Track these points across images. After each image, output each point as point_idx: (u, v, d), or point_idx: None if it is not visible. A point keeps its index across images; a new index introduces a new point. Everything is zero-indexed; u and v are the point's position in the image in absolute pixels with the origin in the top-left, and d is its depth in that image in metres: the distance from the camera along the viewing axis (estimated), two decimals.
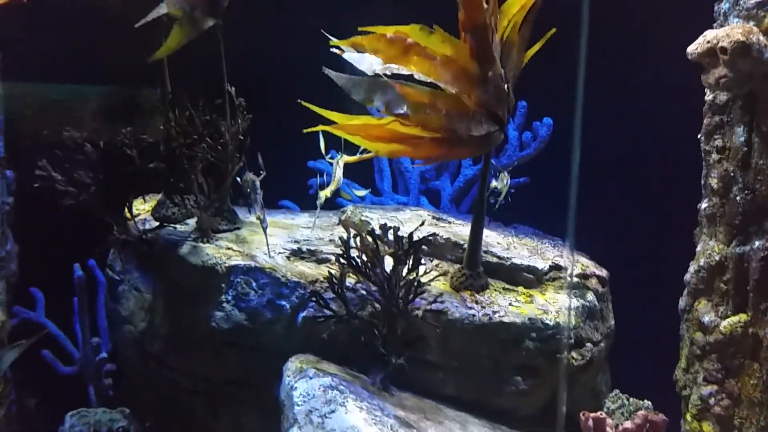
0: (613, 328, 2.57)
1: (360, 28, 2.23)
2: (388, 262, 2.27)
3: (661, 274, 3.03)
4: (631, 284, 2.73)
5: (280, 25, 3.34)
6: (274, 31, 3.35)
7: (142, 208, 2.74)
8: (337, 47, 2.18)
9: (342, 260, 2.28)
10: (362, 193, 2.98)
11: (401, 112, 2.14)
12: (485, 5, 2.12)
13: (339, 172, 2.60)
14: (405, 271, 2.25)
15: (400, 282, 2.24)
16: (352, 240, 2.31)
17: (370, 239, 2.29)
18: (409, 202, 3.25)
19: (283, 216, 2.94)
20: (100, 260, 2.97)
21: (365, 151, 2.52)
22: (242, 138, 2.51)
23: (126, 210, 2.50)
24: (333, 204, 3.06)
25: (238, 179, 2.48)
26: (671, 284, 2.53)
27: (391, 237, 2.29)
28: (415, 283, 2.19)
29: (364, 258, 2.28)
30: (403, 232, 2.26)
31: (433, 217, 2.85)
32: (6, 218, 2.74)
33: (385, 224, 2.34)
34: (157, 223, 2.63)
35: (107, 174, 2.41)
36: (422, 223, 2.38)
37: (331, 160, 2.61)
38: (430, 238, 2.38)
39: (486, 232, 2.78)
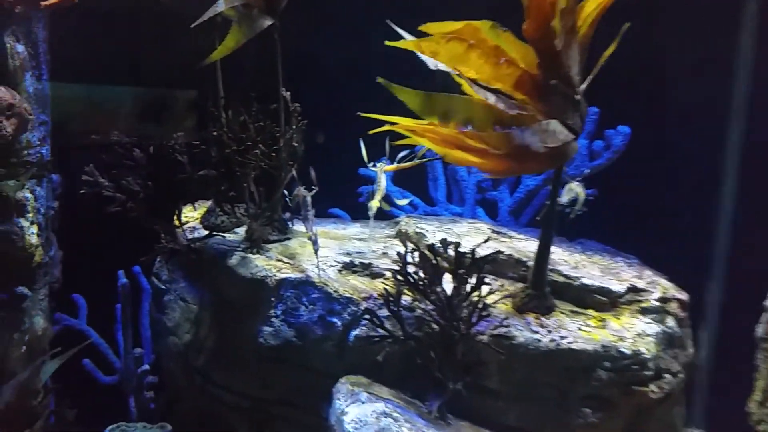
0: (692, 357, 2.35)
1: (422, 28, 2.10)
2: (447, 280, 2.11)
3: (734, 297, 2.81)
4: (700, 307, 2.50)
5: (334, 28, 3.23)
6: (327, 33, 3.24)
7: (191, 215, 2.64)
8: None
9: (398, 276, 2.13)
10: (403, 202, 2.80)
11: (465, 128, 1.99)
12: (553, 9, 1.95)
13: (382, 181, 2.45)
14: (466, 290, 2.08)
15: (462, 302, 2.08)
16: (409, 255, 2.16)
17: (428, 254, 2.13)
18: (465, 213, 3.08)
19: (333, 226, 2.80)
20: (145, 268, 2.90)
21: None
22: (296, 145, 2.38)
23: (175, 218, 2.39)
24: (386, 214, 2.91)
25: (286, 192, 2.35)
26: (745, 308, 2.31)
27: (451, 253, 2.13)
28: (480, 305, 2.02)
29: (422, 275, 2.13)
30: (465, 247, 2.10)
31: (492, 231, 2.67)
32: (50, 223, 2.68)
33: (445, 239, 2.18)
34: (206, 232, 2.52)
35: (156, 180, 2.30)
36: (487, 240, 2.21)
37: (374, 169, 2.46)
38: (494, 255, 2.20)
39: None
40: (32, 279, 2.58)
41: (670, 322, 2.26)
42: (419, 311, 2.17)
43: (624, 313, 2.29)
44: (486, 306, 2.04)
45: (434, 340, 2.11)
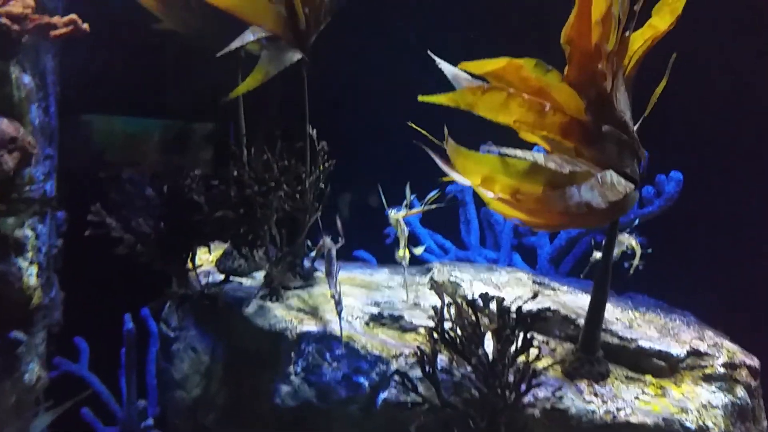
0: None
1: (461, 66, 1.91)
2: (488, 339, 1.88)
3: None
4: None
5: (362, 62, 3.06)
6: (354, 68, 3.07)
7: (206, 258, 2.43)
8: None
9: (434, 334, 1.90)
10: (419, 250, 2.53)
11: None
12: (599, 51, 1.76)
13: (402, 229, 2.25)
14: (511, 352, 1.85)
15: (507, 366, 1.84)
16: (446, 309, 1.93)
17: (468, 310, 1.91)
18: (500, 259, 2.85)
19: (360, 271, 2.58)
20: (153, 312, 2.69)
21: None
22: (323, 186, 2.18)
23: (189, 261, 2.19)
24: (416, 258, 2.69)
25: (309, 243, 2.14)
26: None
27: (493, 308, 1.90)
28: (528, 371, 1.78)
29: (460, 333, 1.90)
30: (509, 303, 1.87)
31: (534, 281, 2.44)
32: (52, 262, 2.48)
33: (486, 293, 1.95)
34: (221, 276, 2.30)
35: (170, 221, 2.10)
36: (535, 295, 1.98)
37: (392, 216, 2.26)
38: (543, 313, 1.97)
39: None
40: (29, 322, 2.39)
41: (740, 392, 2.00)
42: (457, 375, 1.94)
43: (685, 379, 2.04)
44: (535, 372, 1.80)
45: (475, 408, 1.86)
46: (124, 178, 2.09)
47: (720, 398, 1.96)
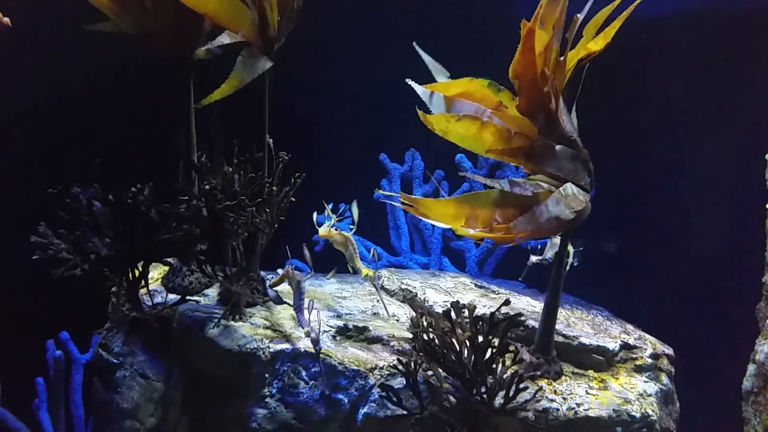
0: (679, 412, 2.41)
1: (427, 87, 1.99)
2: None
3: (719, 350, 2.91)
4: (684, 361, 2.59)
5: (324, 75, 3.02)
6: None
7: (151, 276, 2.26)
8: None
9: (416, 346, 1.96)
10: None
11: (495, 222, 1.91)
12: (544, 78, 1.92)
13: (354, 246, 2.29)
14: (488, 359, 1.96)
15: (485, 374, 1.95)
16: (420, 320, 2.00)
17: (445, 322, 1.99)
18: (431, 263, 2.96)
19: (308, 282, 2.54)
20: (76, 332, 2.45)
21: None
22: (289, 200, 2.13)
23: (141, 281, 2.03)
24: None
25: (280, 271, 2.09)
26: (731, 362, 2.43)
27: (465, 317, 2.00)
28: (516, 379, 1.90)
29: (437, 342, 1.98)
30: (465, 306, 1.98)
31: (476, 285, 2.59)
32: None
33: (457, 302, 2.05)
34: (171, 295, 2.16)
35: (122, 238, 1.93)
36: (506, 302, 2.10)
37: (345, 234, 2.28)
38: (515, 319, 2.10)
39: (530, 302, 2.57)
40: None
41: (665, 379, 2.30)
42: (436, 383, 2.01)
43: (621, 372, 2.29)
44: (522, 378, 1.91)
45: (453, 415, 1.96)
46: (71, 193, 1.88)
47: (652, 387, 2.24)
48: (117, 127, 2.53)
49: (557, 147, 2.01)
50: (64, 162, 2.20)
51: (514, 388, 1.89)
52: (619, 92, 2.96)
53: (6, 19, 1.97)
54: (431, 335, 1.98)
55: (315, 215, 2.27)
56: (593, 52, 2.11)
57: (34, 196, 1.92)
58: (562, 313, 2.51)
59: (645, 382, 2.26)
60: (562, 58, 2.03)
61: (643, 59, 3.04)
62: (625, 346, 2.35)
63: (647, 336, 2.45)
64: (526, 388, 1.88)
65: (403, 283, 2.49)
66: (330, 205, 2.22)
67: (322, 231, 2.26)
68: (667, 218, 3.12)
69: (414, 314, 2.04)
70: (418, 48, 1.97)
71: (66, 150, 2.45)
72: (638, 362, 2.32)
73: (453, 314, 2.01)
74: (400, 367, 1.95)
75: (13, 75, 2.32)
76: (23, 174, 2.51)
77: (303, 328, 1.97)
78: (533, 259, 2.53)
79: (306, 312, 1.99)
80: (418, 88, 2.03)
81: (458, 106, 2.05)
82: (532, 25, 1.84)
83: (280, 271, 2.10)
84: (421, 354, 1.98)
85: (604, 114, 2.71)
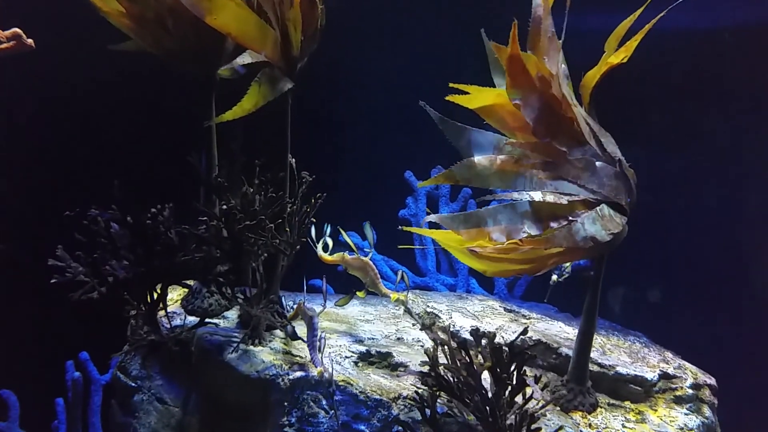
0: None
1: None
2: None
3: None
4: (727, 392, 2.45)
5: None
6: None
7: (170, 297, 2.22)
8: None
9: (431, 378, 1.85)
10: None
11: (523, 234, 1.82)
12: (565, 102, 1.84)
13: (375, 271, 2.19)
14: (509, 392, 1.85)
15: (507, 407, 1.83)
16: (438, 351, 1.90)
17: (462, 354, 1.87)
18: (458, 284, 2.87)
19: (329, 304, 2.47)
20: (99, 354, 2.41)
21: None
22: (310, 221, 2.07)
23: (160, 304, 1.98)
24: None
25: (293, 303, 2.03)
26: None
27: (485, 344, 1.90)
28: (531, 415, 1.78)
29: (455, 378, 1.86)
30: (500, 338, 1.89)
31: (505, 309, 2.49)
32: None
33: (477, 329, 1.95)
34: (190, 318, 2.11)
35: (142, 261, 1.89)
36: (525, 331, 2.00)
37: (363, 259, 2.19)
38: (533, 347, 2.00)
39: (563, 327, 2.45)
40: None
41: (707, 411, 2.16)
42: (458, 418, 1.91)
43: (659, 403, 2.17)
44: (534, 418, 1.80)
45: None
46: (89, 215, 1.84)
47: (693, 420, 2.11)
48: (136, 146, 2.50)
49: (598, 163, 1.91)
50: (85, 183, 2.18)
51: (526, 425, 1.77)
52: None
53: (30, 41, 1.96)
54: (446, 369, 1.88)
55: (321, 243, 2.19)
56: (612, 65, 2.03)
57: (54, 216, 1.89)
58: (598, 340, 2.39)
59: (686, 414, 2.13)
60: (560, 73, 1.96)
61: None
62: (664, 376, 2.22)
63: (687, 365, 2.31)
64: (538, 429, 1.77)
65: (428, 306, 2.40)
66: (327, 228, 2.14)
67: (335, 257, 2.18)
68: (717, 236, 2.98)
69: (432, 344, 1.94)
70: (484, 36, 1.89)
71: (86, 168, 2.45)
72: (678, 393, 2.19)
73: (474, 341, 1.92)
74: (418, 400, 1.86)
75: (33, 90, 2.31)
76: (42, 196, 2.49)
77: (316, 367, 1.90)
78: (554, 278, 2.44)
79: (318, 351, 1.91)
80: (433, 113, 1.97)
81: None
82: (514, 51, 1.77)
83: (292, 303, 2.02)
84: (436, 390, 1.88)
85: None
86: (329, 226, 2.15)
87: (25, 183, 2.47)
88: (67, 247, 1.89)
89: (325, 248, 2.17)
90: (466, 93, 1.92)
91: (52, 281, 1.77)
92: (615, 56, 1.99)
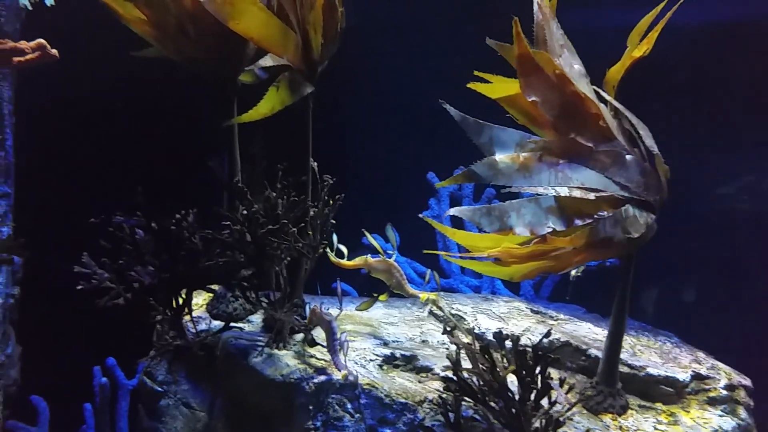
0: None
1: (471, 86, 1.91)
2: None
3: None
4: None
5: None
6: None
7: (194, 301, 2.22)
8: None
9: (454, 383, 1.82)
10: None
11: (548, 230, 1.79)
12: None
13: (401, 273, 2.17)
14: (533, 396, 1.81)
15: (531, 411, 1.79)
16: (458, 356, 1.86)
17: (485, 358, 1.83)
18: (483, 285, 2.84)
19: (354, 306, 2.47)
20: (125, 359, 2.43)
21: None
22: (332, 223, 2.06)
23: (186, 309, 1.99)
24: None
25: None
26: None
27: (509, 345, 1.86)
28: (557, 419, 1.74)
29: (479, 381, 1.83)
30: (525, 340, 1.86)
31: (532, 311, 2.45)
32: (8, 314, 2.17)
33: (500, 331, 1.91)
34: (215, 322, 2.12)
35: (166, 266, 1.90)
36: (548, 333, 1.95)
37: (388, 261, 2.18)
38: (560, 349, 1.96)
39: (592, 328, 2.41)
40: None
41: (742, 413, 2.10)
42: (483, 422, 1.88)
43: (692, 404, 2.11)
44: (560, 423, 1.76)
45: None
46: (114, 222, 1.86)
47: (728, 422, 2.05)
48: (159, 151, 2.52)
49: (628, 157, 1.87)
50: (106, 185, 2.20)
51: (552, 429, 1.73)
52: None
53: (54, 51, 1.98)
54: (470, 374, 1.85)
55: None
56: (635, 59, 1.99)
57: (82, 220, 1.91)
58: (627, 341, 2.34)
59: (720, 416, 2.07)
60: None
61: None
62: (697, 377, 2.16)
63: (721, 365, 2.25)
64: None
65: (453, 308, 2.38)
66: (335, 236, 2.13)
67: (357, 261, 2.17)
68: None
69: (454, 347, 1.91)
70: (490, 42, 1.87)
71: (109, 172, 2.47)
72: (711, 394, 2.13)
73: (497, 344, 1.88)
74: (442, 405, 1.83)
75: (57, 95, 2.33)
76: (68, 202, 2.52)
77: (340, 371, 1.88)
78: (573, 272, 2.41)
79: (341, 353, 1.90)
80: (453, 111, 1.94)
81: None
82: (522, 49, 1.74)
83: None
84: (460, 395, 1.85)
85: None
86: (334, 233, 2.14)
87: (50, 189, 2.50)
88: (90, 252, 1.91)
89: (341, 255, 2.16)
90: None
91: (79, 288, 1.79)
92: (638, 49, 1.96)
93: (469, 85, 1.92)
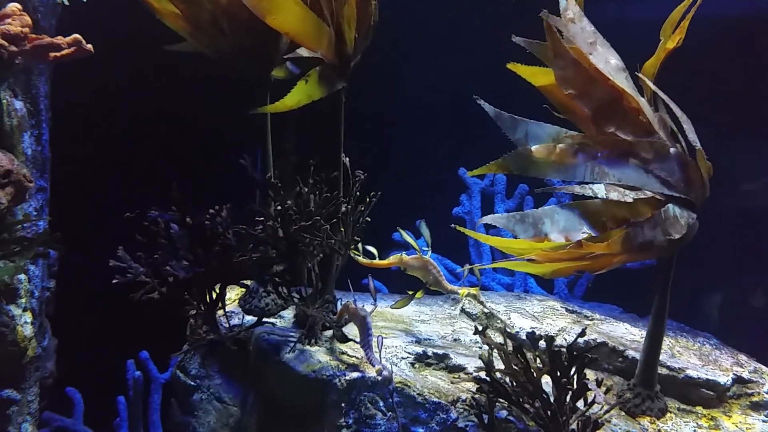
0: None
1: (509, 66, 1.89)
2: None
3: None
4: None
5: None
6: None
7: (227, 296, 2.23)
8: None
9: (487, 384, 1.79)
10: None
11: (583, 235, 1.75)
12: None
13: (437, 268, 2.17)
14: (569, 398, 1.76)
15: (569, 413, 1.75)
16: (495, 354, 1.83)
17: (518, 359, 1.79)
18: (515, 283, 2.80)
19: (385, 303, 2.45)
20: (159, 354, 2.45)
21: None
22: (366, 220, 2.04)
23: (219, 303, 1.99)
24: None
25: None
26: None
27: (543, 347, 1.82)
28: (595, 421, 1.70)
29: (513, 383, 1.79)
30: (546, 332, 1.82)
31: (567, 310, 2.40)
32: (44, 307, 2.20)
33: (533, 332, 1.88)
34: (247, 317, 2.12)
35: (200, 261, 1.90)
36: (582, 333, 1.90)
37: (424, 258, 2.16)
38: (596, 349, 1.91)
39: (629, 329, 2.35)
40: (22, 377, 2.11)
41: None
42: (519, 423, 1.85)
43: (734, 409, 2.05)
44: (597, 425, 1.72)
45: None
46: (149, 216, 1.86)
47: None
48: (193, 146, 2.53)
49: (672, 150, 1.82)
50: (141, 180, 2.21)
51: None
52: None
53: (89, 46, 1.99)
54: (504, 374, 1.81)
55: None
56: (669, 50, 1.93)
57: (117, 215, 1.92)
58: (666, 342, 2.26)
59: (764, 421, 2.01)
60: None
61: None
62: (739, 380, 2.10)
63: (764, 368, 2.18)
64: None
65: (485, 307, 2.34)
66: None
67: (391, 259, 2.15)
68: None
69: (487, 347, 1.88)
70: (516, 39, 1.84)
71: (144, 167, 2.48)
72: (754, 398, 2.07)
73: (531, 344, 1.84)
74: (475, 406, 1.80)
75: (93, 90, 2.35)
76: (102, 194, 2.54)
77: (374, 366, 1.87)
78: None
79: (375, 349, 1.88)
80: (487, 107, 1.91)
81: None
82: (556, 42, 1.71)
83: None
84: (493, 396, 1.82)
85: None
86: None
87: (86, 184, 2.53)
88: (125, 246, 1.92)
89: (371, 256, 2.14)
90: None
91: (114, 281, 1.80)
92: (671, 41, 1.90)
93: (509, 66, 1.88)
